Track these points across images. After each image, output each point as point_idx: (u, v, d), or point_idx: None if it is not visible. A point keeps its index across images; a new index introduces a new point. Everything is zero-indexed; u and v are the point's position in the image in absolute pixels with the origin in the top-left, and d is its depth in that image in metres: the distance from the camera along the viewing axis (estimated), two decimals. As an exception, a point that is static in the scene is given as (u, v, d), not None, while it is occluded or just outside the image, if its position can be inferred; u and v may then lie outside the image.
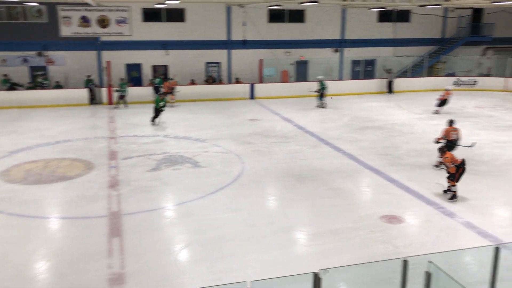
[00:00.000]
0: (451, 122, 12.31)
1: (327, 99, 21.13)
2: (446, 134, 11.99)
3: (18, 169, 12.12)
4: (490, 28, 28.18)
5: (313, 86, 21.37)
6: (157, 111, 17.34)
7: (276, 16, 25.43)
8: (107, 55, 23.17)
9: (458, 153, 10.84)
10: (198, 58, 24.83)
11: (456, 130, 12.08)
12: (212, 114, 19.59)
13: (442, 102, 19.37)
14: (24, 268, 7.27)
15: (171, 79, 22.44)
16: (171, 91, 21.42)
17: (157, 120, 17.44)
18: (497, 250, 4.72)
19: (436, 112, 19.22)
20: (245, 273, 6.96)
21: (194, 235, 8.48)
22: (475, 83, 25.77)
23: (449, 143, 11.72)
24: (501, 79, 25.49)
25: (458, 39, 27.89)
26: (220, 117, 19.09)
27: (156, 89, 21.44)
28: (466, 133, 15.79)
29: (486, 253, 4.90)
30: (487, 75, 27.19)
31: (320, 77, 21.54)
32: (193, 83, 23.86)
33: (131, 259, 7.52)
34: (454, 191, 10.03)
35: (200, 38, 24.45)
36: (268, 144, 14.60)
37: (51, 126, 17.34)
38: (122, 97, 21.14)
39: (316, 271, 4.23)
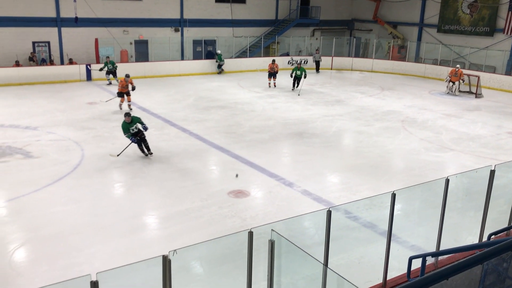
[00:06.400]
0: None
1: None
2: None
3: None
4: (317, 10, 30.79)
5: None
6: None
7: (110, -8, 24.01)
8: None
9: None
10: (23, 37, 22.23)
11: None
12: (43, 99, 17.77)
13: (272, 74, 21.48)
14: None
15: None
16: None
17: None
18: (329, 213, 5.23)
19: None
20: (92, 266, 6.57)
21: (30, 232, 7.70)
22: (306, 62, 27.99)
23: None
24: (329, 58, 28.12)
25: (290, 21, 29.84)
26: (53, 101, 17.41)
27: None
28: (300, 109, 17.21)
29: (321, 216, 5.36)
30: (316, 55, 29.75)
31: (218, 51, 25.29)
32: (18, 64, 21.33)
33: (-48, 269, 6.53)
34: None
35: (22, 15, 21.86)
36: (110, 129, 13.86)
37: None
38: None
39: (165, 253, 4.18)
